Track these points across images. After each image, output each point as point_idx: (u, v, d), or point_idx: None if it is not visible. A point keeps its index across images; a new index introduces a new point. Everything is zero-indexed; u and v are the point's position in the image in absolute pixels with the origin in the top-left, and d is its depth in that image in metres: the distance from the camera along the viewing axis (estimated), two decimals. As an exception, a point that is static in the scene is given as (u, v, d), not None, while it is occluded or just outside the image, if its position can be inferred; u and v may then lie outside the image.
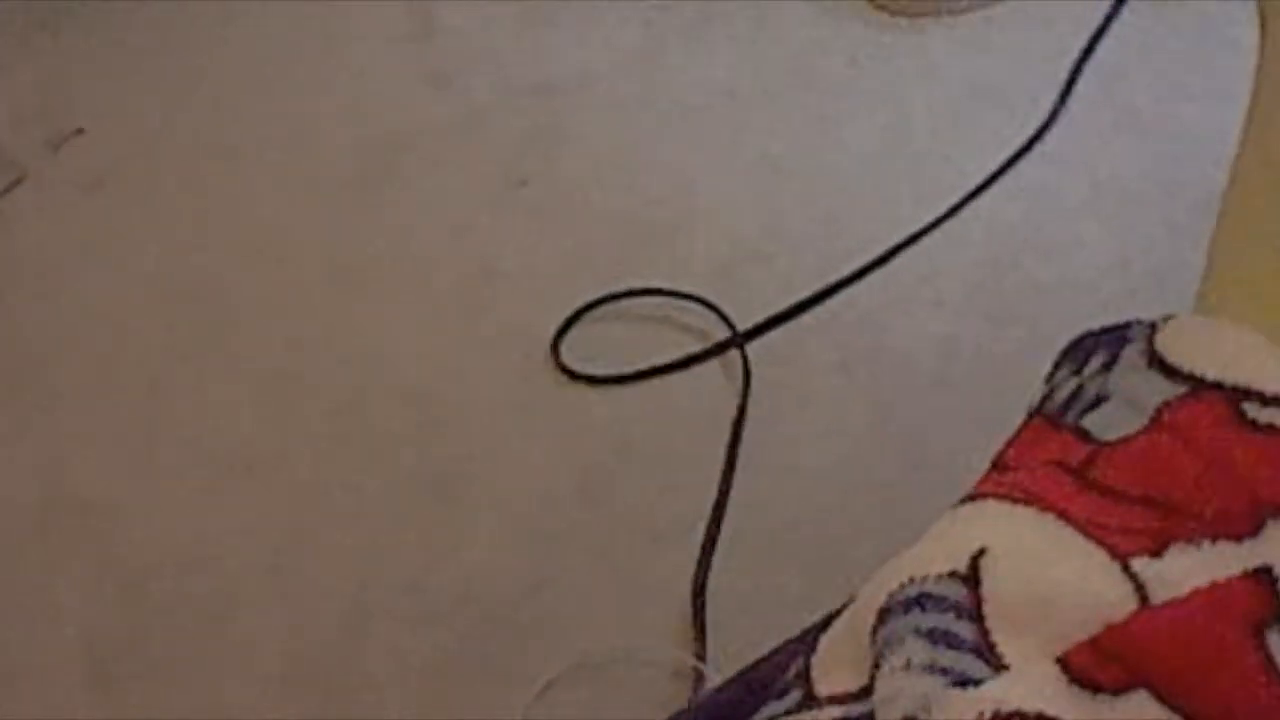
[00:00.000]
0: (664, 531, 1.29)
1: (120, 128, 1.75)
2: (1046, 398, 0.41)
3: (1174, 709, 0.31)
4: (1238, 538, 0.33)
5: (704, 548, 1.25)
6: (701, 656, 1.17)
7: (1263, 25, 0.43)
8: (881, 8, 1.76)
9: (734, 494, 1.30)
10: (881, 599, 0.35)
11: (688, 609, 1.22)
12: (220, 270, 1.59)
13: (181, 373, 1.49)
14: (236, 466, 1.39)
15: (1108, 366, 0.39)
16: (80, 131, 1.73)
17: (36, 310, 1.57)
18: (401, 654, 1.23)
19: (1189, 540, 0.34)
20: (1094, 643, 0.32)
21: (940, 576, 0.35)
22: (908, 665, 0.33)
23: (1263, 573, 0.33)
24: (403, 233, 1.60)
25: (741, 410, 1.36)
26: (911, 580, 0.35)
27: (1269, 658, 0.31)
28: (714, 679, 1.14)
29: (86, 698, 1.22)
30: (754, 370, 1.40)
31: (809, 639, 0.39)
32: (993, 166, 1.55)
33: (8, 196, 1.68)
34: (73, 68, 1.83)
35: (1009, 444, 0.42)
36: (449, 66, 1.79)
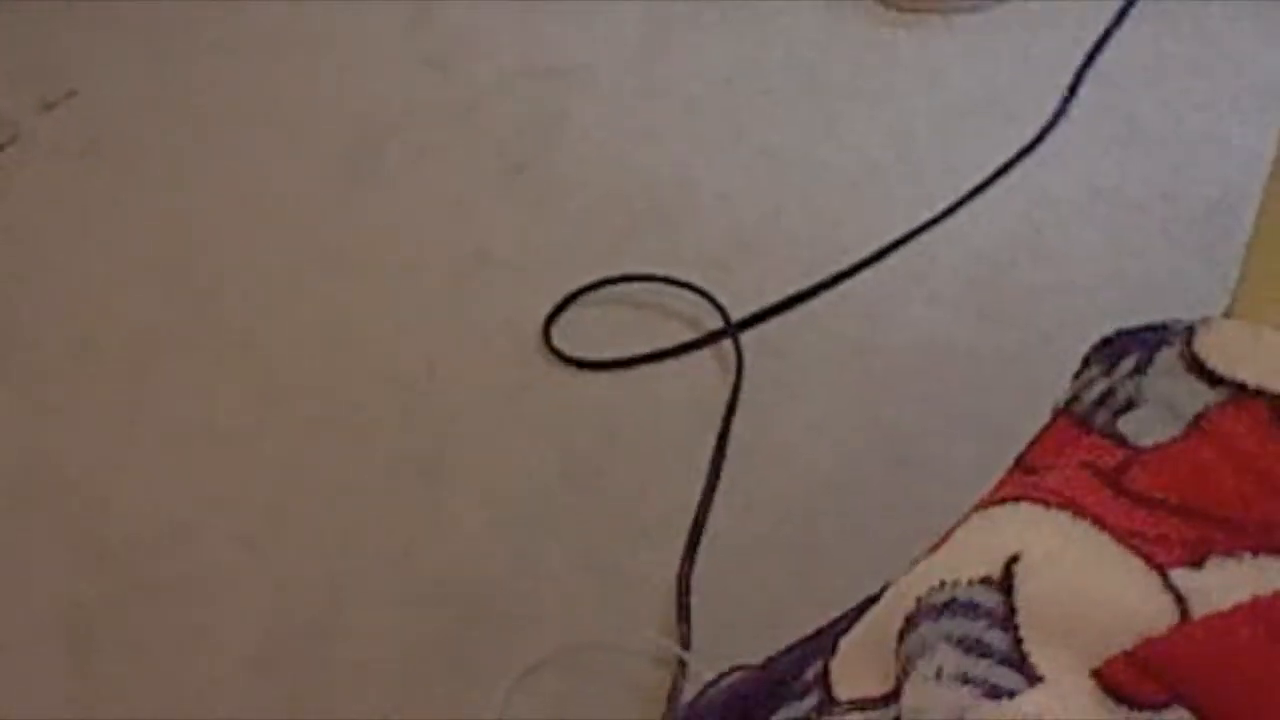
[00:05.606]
0: (650, 519, 1.28)
1: (115, 93, 1.73)
2: (1074, 398, 0.40)
3: None
4: (1279, 551, 0.32)
5: (690, 537, 1.25)
6: (686, 645, 1.16)
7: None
8: (886, 4, 1.76)
9: (722, 484, 1.29)
10: (910, 603, 0.34)
11: (672, 598, 1.21)
12: (209, 246, 1.57)
13: (166, 347, 1.47)
14: (219, 443, 1.38)
15: (1142, 369, 0.38)
16: (74, 94, 1.71)
17: (20, 277, 1.55)
18: (381, 636, 1.22)
19: (1228, 552, 0.33)
20: (1131, 656, 0.31)
21: (972, 582, 0.34)
22: (939, 674, 0.32)
23: None
24: (397, 214, 1.59)
25: (733, 400, 1.36)
26: (942, 585, 0.34)
27: None
28: (697, 668, 1.13)
29: (63, 671, 1.21)
30: (746, 361, 1.39)
31: (827, 639, 0.38)
32: (992, 167, 1.55)
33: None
34: (69, 29, 1.81)
35: (1034, 443, 0.41)
36: (448, 50, 1.77)
